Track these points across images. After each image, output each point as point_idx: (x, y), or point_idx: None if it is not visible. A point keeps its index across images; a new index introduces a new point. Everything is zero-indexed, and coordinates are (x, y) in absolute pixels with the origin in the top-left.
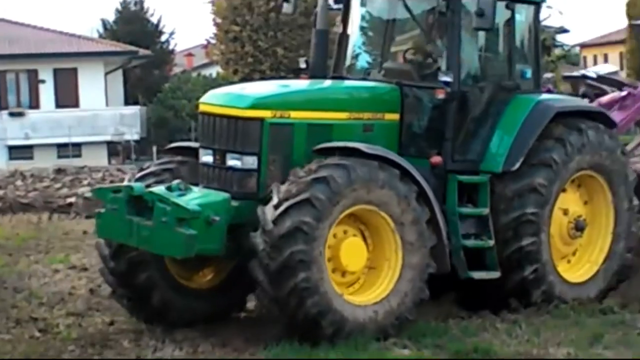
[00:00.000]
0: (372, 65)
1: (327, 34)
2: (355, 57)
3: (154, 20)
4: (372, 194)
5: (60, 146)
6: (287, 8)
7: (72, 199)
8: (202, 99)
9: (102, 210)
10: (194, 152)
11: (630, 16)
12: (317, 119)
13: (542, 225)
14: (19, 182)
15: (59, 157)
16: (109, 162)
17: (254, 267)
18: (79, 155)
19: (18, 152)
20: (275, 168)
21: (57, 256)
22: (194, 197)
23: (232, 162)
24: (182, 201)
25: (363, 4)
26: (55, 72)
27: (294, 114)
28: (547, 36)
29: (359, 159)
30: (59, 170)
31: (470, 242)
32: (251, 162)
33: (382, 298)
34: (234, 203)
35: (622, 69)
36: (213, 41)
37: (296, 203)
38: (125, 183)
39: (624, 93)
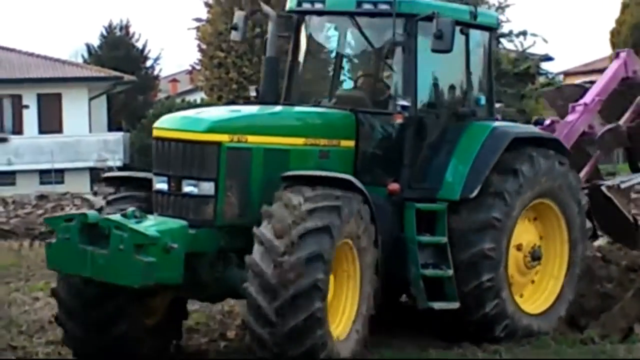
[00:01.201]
0: (323, 92)
1: (278, 61)
2: (306, 84)
3: (139, 45)
4: (362, 226)
5: (43, 172)
6: (235, 35)
7: None
8: (156, 124)
9: (53, 241)
10: (137, 183)
11: (614, 44)
12: (275, 144)
13: (500, 260)
14: (0, 209)
15: (42, 183)
16: (92, 189)
17: (255, 296)
18: (61, 182)
19: (0, 178)
20: (232, 194)
21: (37, 284)
22: (151, 225)
23: (188, 188)
24: (140, 227)
25: (311, 32)
26: (39, 97)
27: (252, 139)
28: (532, 64)
29: (347, 191)
30: (41, 197)
31: (430, 272)
32: (208, 188)
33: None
34: (191, 231)
35: None
36: (198, 67)
37: (313, 230)
38: (79, 211)
39: (547, 122)
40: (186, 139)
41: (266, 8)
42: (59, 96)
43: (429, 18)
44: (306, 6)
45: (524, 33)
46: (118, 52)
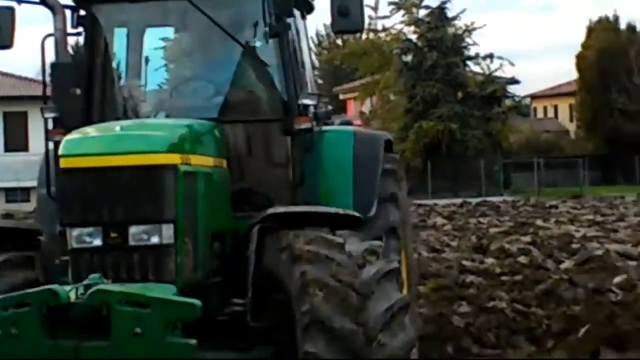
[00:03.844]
0: (160, 104)
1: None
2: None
3: None
4: None
5: (9, 190)
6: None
7: None
8: (65, 150)
9: None
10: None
11: (579, 69)
12: (209, 166)
13: None
14: None
15: (7, 201)
16: None
17: None
18: (27, 200)
19: None
20: (188, 239)
21: None
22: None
23: (139, 237)
24: (168, 295)
25: (112, 24)
26: (5, 115)
27: (195, 160)
28: (498, 87)
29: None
30: (7, 215)
31: None
32: (167, 233)
33: None
34: None
35: (572, 120)
36: None
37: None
38: (38, 289)
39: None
40: (133, 164)
41: None
42: (24, 114)
43: None
44: None
45: (490, 56)
46: None
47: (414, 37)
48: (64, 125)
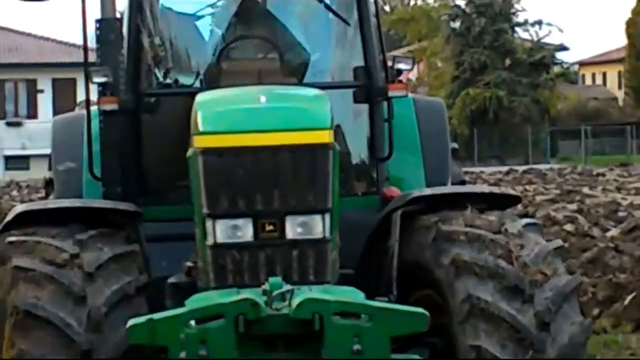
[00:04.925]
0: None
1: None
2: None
3: None
4: None
5: None
6: None
7: None
8: (203, 127)
9: None
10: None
11: (629, 35)
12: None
13: None
14: (14, 192)
15: None
16: None
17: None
18: None
19: (14, 162)
20: (335, 230)
21: None
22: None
23: (298, 229)
24: (395, 306)
25: None
26: (54, 82)
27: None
28: (547, 53)
29: None
30: (50, 182)
31: None
32: (328, 224)
33: None
34: None
35: (620, 88)
36: None
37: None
38: (232, 298)
39: None
40: (293, 144)
41: None
42: (73, 81)
43: None
44: None
45: (539, 22)
46: None
47: (462, 3)
48: (114, 92)
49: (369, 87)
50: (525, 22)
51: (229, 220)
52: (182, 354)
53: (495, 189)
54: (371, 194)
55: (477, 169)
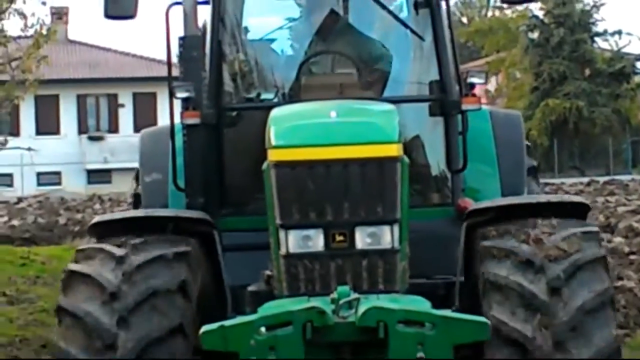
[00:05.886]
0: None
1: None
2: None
3: None
4: None
5: None
6: None
7: None
8: (277, 141)
9: None
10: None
11: None
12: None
13: None
14: (97, 206)
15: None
16: None
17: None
18: None
19: (96, 175)
20: (405, 241)
21: None
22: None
23: (367, 240)
24: (451, 314)
25: None
26: (135, 96)
27: (400, 149)
28: (627, 63)
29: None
30: (137, 195)
31: None
32: (397, 234)
33: None
34: None
35: None
36: None
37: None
38: (300, 306)
39: None
40: (362, 157)
41: None
42: (154, 95)
43: None
44: None
45: (618, 32)
46: None
47: (540, 13)
48: (196, 106)
49: (444, 100)
50: (605, 32)
51: (301, 230)
52: None
53: (559, 197)
54: (446, 205)
55: (557, 181)
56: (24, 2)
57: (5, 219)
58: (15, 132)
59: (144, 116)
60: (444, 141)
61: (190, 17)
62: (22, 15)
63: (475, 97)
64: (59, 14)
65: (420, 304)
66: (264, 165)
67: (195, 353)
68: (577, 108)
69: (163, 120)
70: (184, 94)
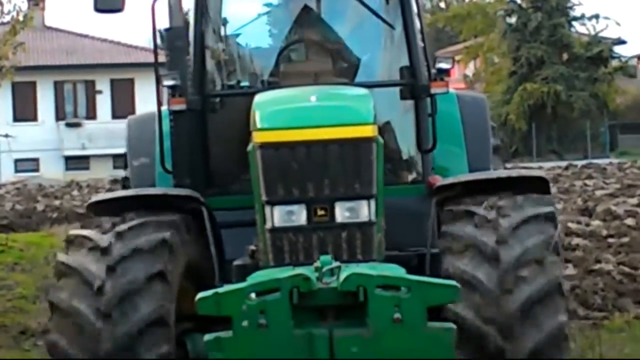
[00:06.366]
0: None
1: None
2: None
3: None
4: None
5: (117, 157)
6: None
7: None
8: (262, 124)
9: (228, 334)
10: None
11: None
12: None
13: None
14: (75, 192)
15: (115, 167)
16: None
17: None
18: None
19: (74, 162)
20: (380, 215)
21: None
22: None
23: (348, 213)
24: (427, 279)
25: None
26: (113, 82)
27: (375, 130)
28: (605, 47)
29: None
30: (115, 181)
31: None
32: (373, 209)
33: None
34: None
35: None
36: None
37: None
38: (287, 274)
39: None
40: (341, 138)
41: None
42: (131, 81)
43: None
44: None
45: (596, 16)
46: None
47: None
48: (182, 93)
49: (414, 85)
50: (582, 16)
51: (285, 206)
52: (244, 323)
53: (518, 172)
54: (418, 182)
55: (535, 165)
56: None
57: None
58: None
59: (122, 102)
60: (415, 123)
61: (175, 9)
62: None
63: (444, 81)
64: (36, 0)
65: (396, 271)
66: (249, 147)
67: (177, 343)
68: (555, 92)
69: (141, 106)
70: (171, 82)
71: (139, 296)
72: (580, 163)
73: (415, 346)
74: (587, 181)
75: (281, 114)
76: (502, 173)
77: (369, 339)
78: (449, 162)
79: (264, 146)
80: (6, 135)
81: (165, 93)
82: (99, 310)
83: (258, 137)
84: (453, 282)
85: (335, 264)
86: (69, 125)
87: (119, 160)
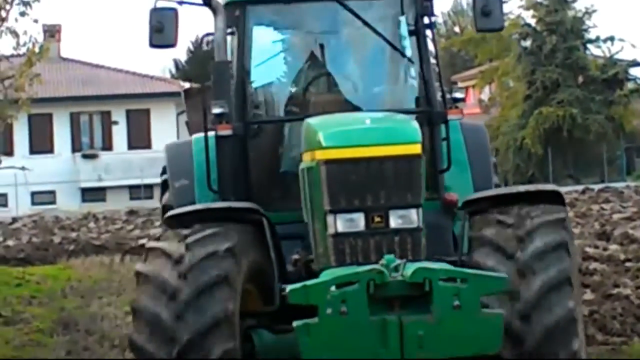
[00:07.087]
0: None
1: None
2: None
3: None
4: None
5: (133, 188)
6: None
7: (144, 241)
8: (327, 142)
9: (313, 321)
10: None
11: None
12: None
13: None
14: (91, 224)
15: (131, 198)
16: None
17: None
18: (150, 197)
19: (91, 194)
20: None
21: (129, 298)
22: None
23: (401, 220)
24: (480, 272)
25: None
26: (128, 113)
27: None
28: (620, 69)
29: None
30: (131, 212)
31: None
32: (420, 216)
33: None
34: None
35: None
36: None
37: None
38: (364, 267)
39: None
40: (395, 155)
41: None
42: (147, 112)
43: None
44: None
45: (611, 38)
46: (205, 66)
47: (532, 21)
48: (228, 120)
49: (431, 112)
50: (597, 39)
51: (347, 214)
52: (328, 311)
53: (535, 187)
54: (434, 199)
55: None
56: (16, 21)
57: (0, 239)
58: (9, 152)
59: (138, 133)
60: (429, 146)
61: (221, 46)
62: (14, 33)
63: (458, 109)
64: (51, 32)
65: (447, 267)
66: (307, 164)
67: (244, 338)
68: (571, 115)
69: (156, 136)
70: (219, 110)
71: (207, 299)
72: (597, 187)
73: (471, 329)
74: (604, 205)
75: (344, 134)
76: (521, 188)
77: (433, 324)
78: (455, 182)
79: (329, 162)
80: (22, 168)
81: (181, 122)
82: (173, 312)
83: (322, 155)
84: (502, 274)
85: (400, 261)
86: (85, 156)
87: (136, 191)
